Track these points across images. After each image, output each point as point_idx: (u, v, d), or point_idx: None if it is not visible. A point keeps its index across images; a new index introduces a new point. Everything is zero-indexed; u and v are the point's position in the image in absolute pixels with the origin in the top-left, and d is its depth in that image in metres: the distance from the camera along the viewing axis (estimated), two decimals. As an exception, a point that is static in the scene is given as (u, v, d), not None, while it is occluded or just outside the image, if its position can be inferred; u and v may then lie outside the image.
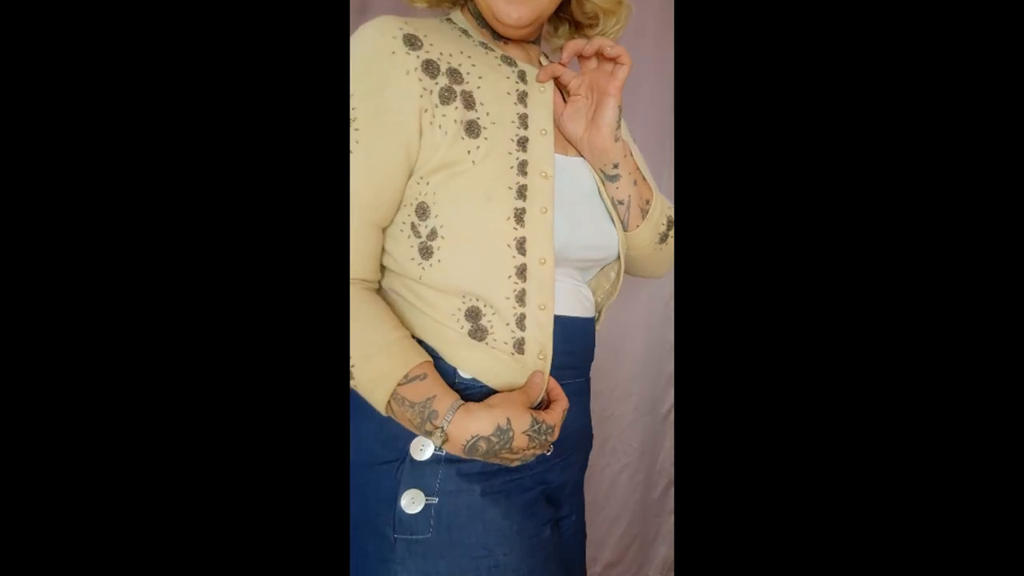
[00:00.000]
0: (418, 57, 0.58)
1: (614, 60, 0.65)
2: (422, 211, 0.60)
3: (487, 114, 0.60)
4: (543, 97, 0.65)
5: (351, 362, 0.57)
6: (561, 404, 0.60)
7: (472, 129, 0.59)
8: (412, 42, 0.58)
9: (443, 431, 0.54)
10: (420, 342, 0.61)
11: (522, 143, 0.61)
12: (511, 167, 0.60)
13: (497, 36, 0.68)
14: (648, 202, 0.70)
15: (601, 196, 0.69)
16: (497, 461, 0.57)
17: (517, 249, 0.59)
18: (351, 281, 0.61)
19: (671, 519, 1.56)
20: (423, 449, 0.58)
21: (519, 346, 0.60)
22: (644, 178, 0.71)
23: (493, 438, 0.54)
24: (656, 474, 1.58)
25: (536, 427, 0.56)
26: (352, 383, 0.58)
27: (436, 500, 0.57)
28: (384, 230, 0.64)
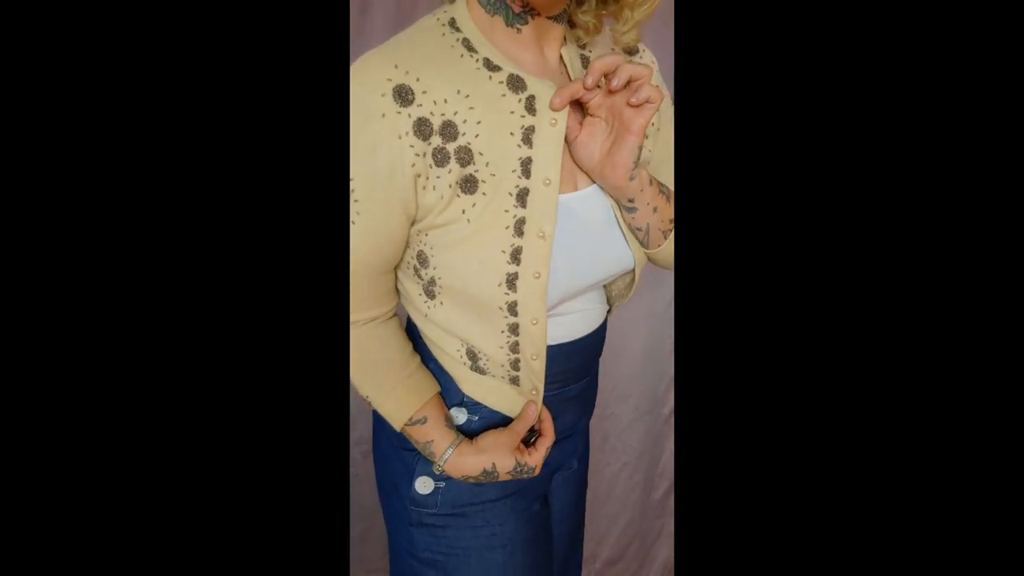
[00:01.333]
0: (409, 116, 0.52)
1: (645, 100, 0.56)
2: (422, 259, 0.60)
3: (486, 164, 0.55)
4: (553, 133, 0.57)
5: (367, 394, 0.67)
6: (545, 442, 0.67)
7: (468, 185, 0.55)
8: (403, 96, 0.52)
9: (440, 467, 0.65)
10: (431, 362, 0.69)
11: (522, 197, 0.56)
12: (507, 227, 0.56)
13: (517, 18, 0.58)
14: (671, 221, 0.65)
15: (618, 221, 0.65)
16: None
17: (508, 311, 0.59)
18: (361, 321, 0.64)
19: (672, 521, 1.56)
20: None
21: (515, 381, 0.67)
22: (667, 199, 0.64)
23: (481, 477, 0.65)
24: (658, 476, 1.58)
25: (518, 469, 0.65)
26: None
27: (443, 484, 0.69)
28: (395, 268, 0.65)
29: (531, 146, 0.56)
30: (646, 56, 0.72)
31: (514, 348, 0.62)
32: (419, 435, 0.65)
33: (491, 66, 0.56)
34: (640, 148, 0.58)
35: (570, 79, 0.62)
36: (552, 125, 0.56)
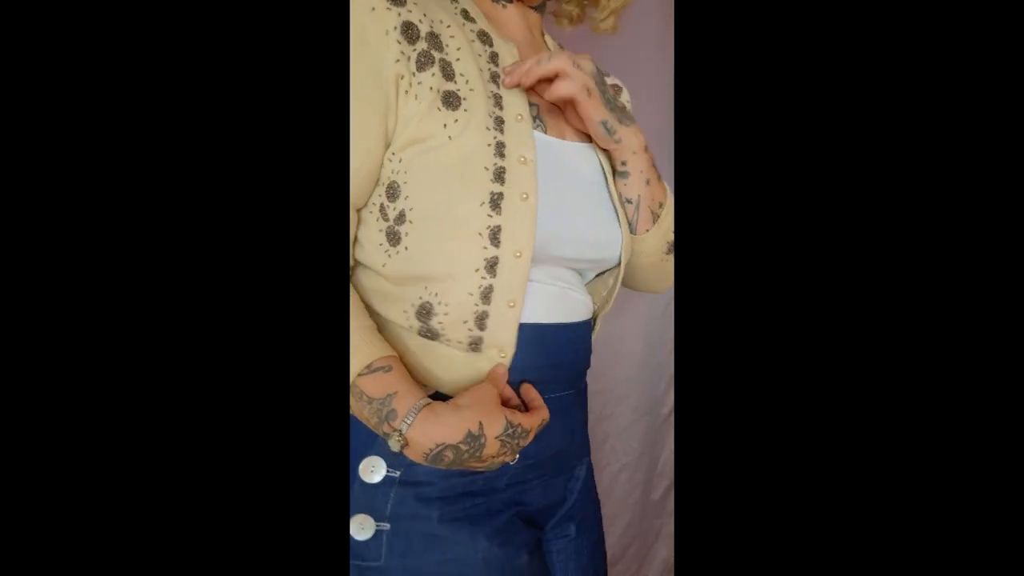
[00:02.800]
0: (399, 15, 0.52)
1: (553, 78, 0.57)
2: (392, 191, 0.54)
3: (467, 83, 0.54)
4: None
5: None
6: (541, 413, 0.54)
7: (450, 100, 0.53)
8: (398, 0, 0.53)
9: (401, 435, 0.48)
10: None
11: (499, 123, 0.54)
12: (488, 145, 0.53)
13: None
14: (661, 205, 0.63)
15: (610, 191, 0.63)
16: (459, 468, 0.51)
17: (490, 239, 0.52)
18: None
19: (672, 520, 1.56)
20: (374, 471, 0.52)
21: (476, 345, 0.54)
22: (659, 179, 0.64)
23: (463, 446, 0.48)
24: (657, 476, 1.58)
25: (510, 431, 0.49)
26: None
27: (388, 526, 0.51)
28: (359, 212, 0.58)
29: (498, 86, 0.57)
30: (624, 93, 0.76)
31: (485, 296, 0.53)
32: (378, 387, 0.49)
33: (467, 16, 0.59)
34: (606, 108, 0.59)
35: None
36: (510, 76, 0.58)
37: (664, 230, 0.65)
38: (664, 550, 1.59)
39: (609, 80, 0.74)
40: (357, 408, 0.51)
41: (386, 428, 0.49)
